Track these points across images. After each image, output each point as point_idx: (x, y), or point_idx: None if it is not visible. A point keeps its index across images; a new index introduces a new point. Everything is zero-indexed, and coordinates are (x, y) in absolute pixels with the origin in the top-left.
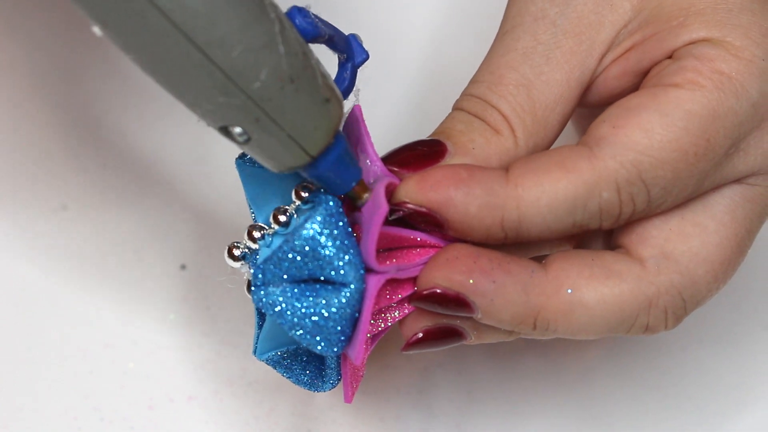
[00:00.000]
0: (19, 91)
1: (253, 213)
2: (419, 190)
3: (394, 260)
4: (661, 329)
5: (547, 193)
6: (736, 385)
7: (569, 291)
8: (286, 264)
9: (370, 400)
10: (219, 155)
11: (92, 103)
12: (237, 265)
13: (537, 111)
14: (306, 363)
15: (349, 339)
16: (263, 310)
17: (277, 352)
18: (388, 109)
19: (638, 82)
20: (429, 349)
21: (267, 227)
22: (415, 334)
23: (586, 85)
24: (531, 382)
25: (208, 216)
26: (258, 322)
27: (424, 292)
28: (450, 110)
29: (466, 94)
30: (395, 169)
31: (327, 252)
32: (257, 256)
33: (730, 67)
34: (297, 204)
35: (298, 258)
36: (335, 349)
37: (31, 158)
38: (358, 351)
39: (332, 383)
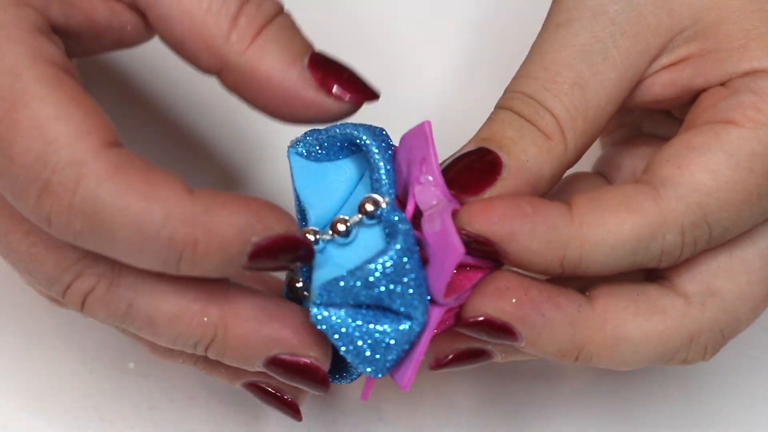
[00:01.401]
0: None
1: (297, 205)
2: (483, 221)
3: (445, 296)
4: (698, 361)
5: (612, 234)
6: (737, 386)
7: (615, 327)
8: (355, 291)
9: (370, 400)
10: (219, 154)
11: None
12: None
13: (589, 111)
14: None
15: (397, 362)
16: (319, 327)
17: None
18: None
19: (685, 97)
20: (456, 368)
21: (322, 232)
22: (447, 355)
23: (637, 81)
24: (531, 383)
25: None
26: None
27: (471, 320)
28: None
29: (516, 91)
30: (454, 193)
31: (398, 288)
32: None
33: None
34: (361, 218)
35: (367, 287)
36: (381, 374)
37: None
38: (409, 378)
39: (353, 378)
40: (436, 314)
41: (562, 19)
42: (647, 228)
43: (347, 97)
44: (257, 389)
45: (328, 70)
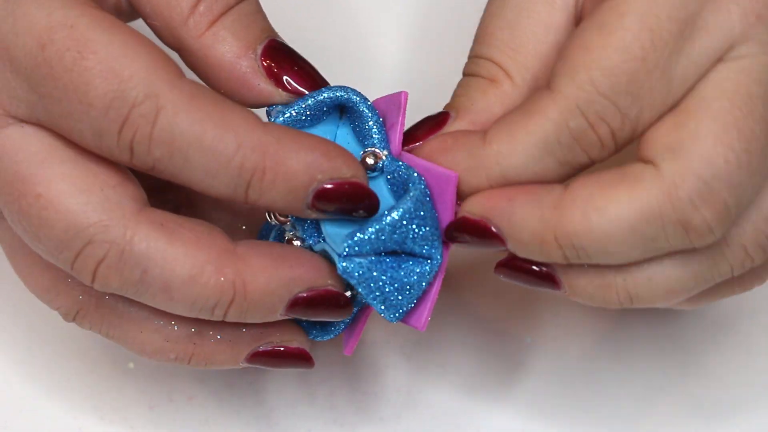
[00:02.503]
0: None
1: None
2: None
3: None
4: (700, 224)
5: (520, 142)
6: (737, 385)
7: (585, 199)
8: (382, 239)
9: (370, 400)
10: None
11: None
12: (287, 225)
13: (528, 45)
14: None
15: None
16: (346, 278)
17: None
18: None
19: None
20: (520, 282)
21: None
22: (514, 257)
23: (575, 10)
24: (533, 382)
25: None
26: None
27: (452, 222)
28: None
29: (468, 57)
30: (408, 147)
31: (422, 230)
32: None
33: None
34: None
35: (394, 233)
36: (401, 318)
37: None
38: (426, 319)
39: (334, 334)
40: (446, 253)
41: None
42: (550, 123)
43: (296, 87)
44: (263, 355)
45: (280, 61)
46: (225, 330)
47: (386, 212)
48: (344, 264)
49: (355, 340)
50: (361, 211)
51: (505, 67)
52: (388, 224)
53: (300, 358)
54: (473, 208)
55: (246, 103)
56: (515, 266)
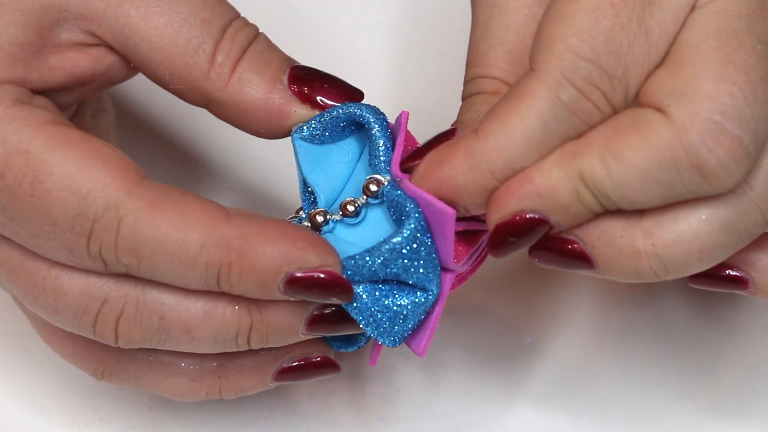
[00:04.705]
0: None
1: (303, 189)
2: (420, 183)
3: (455, 260)
4: (716, 166)
5: (517, 129)
6: (737, 385)
7: (600, 147)
8: (373, 269)
9: (370, 400)
10: (218, 154)
11: None
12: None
13: (523, 57)
14: None
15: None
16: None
17: None
18: None
19: None
20: (554, 264)
21: (331, 213)
22: (542, 240)
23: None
24: (532, 382)
25: None
26: None
27: (494, 234)
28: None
29: (465, 82)
30: (415, 162)
31: (414, 265)
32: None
33: None
34: (366, 199)
35: (385, 266)
36: (399, 344)
37: None
38: (425, 346)
39: (359, 345)
40: (448, 281)
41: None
42: (542, 102)
43: (330, 104)
44: (290, 370)
45: (308, 83)
46: (246, 357)
47: (380, 243)
48: None
49: (377, 353)
50: (334, 299)
51: (505, 80)
52: (381, 255)
53: (325, 366)
54: (499, 214)
55: (288, 130)
56: (549, 246)
